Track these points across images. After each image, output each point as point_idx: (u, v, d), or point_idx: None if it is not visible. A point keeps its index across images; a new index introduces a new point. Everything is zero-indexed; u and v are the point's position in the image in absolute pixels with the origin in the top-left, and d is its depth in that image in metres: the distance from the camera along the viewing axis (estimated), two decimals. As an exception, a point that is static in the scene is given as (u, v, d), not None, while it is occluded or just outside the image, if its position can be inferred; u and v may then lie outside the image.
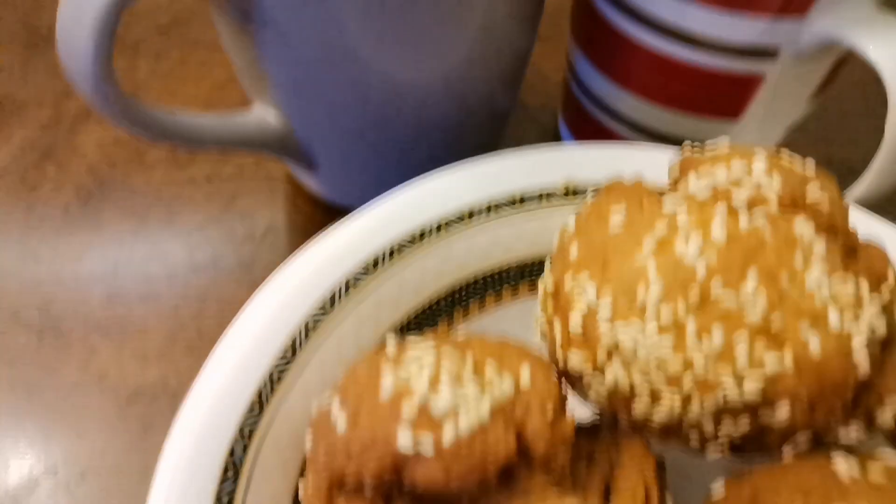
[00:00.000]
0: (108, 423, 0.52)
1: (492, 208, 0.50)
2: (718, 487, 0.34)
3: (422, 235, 0.48)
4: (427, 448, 0.31)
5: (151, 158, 0.68)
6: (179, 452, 0.37)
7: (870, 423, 0.33)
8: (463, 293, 0.50)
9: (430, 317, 0.48)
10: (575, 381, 0.37)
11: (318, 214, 0.61)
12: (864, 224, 0.46)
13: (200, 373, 0.39)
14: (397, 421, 0.32)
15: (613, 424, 0.37)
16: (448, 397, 0.32)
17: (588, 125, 0.65)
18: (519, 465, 0.33)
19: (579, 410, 0.39)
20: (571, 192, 0.50)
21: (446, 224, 0.49)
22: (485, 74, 0.53)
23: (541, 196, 0.50)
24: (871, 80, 0.48)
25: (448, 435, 0.31)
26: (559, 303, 0.38)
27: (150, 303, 0.58)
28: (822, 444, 0.33)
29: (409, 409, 0.32)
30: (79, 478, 0.49)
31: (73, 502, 0.48)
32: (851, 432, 0.33)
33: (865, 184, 0.50)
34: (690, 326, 0.33)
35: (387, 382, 0.34)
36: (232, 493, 0.36)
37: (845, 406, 0.32)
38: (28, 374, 0.54)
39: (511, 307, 0.49)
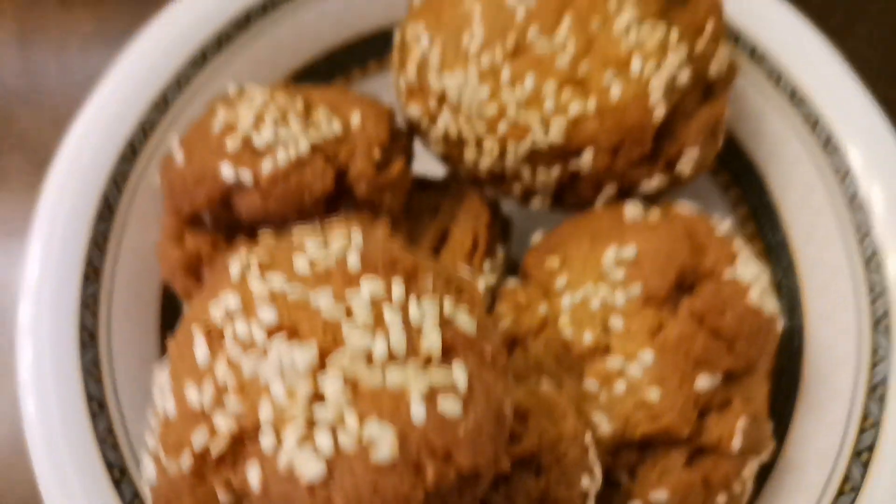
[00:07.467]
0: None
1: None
2: (537, 237, 0.40)
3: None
4: (247, 179, 0.34)
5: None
6: (55, 199, 0.40)
7: (670, 172, 0.39)
8: (342, 56, 0.49)
9: (308, 81, 0.48)
10: (420, 132, 0.41)
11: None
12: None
13: (74, 122, 0.42)
14: (222, 154, 0.35)
15: (458, 179, 0.42)
16: (269, 133, 0.35)
17: None
18: (345, 204, 0.37)
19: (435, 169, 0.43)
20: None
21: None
22: None
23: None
24: None
25: (266, 167, 0.34)
26: (402, 54, 0.41)
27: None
28: (628, 195, 0.39)
29: (232, 143, 0.35)
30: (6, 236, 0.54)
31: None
32: (653, 182, 0.39)
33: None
34: (505, 74, 0.37)
35: (217, 120, 0.37)
36: (106, 234, 0.40)
37: (645, 154, 0.37)
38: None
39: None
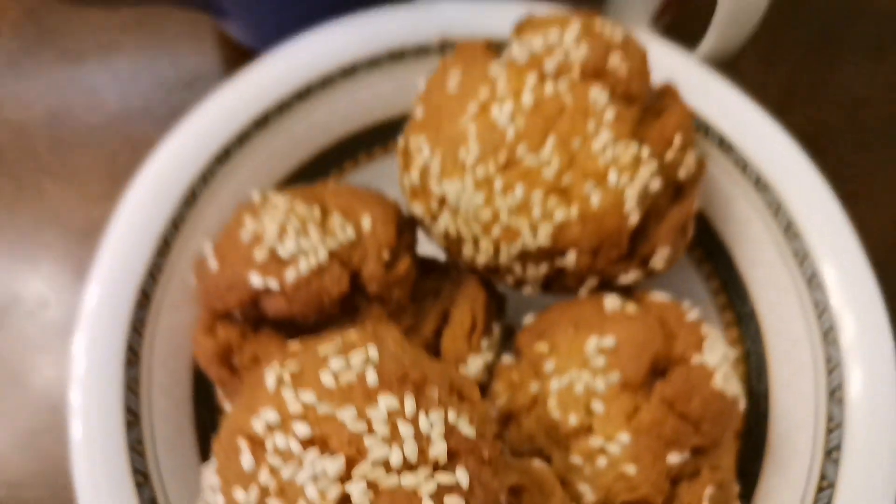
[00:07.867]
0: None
1: (373, 63, 0.53)
2: (528, 319, 0.45)
3: (308, 91, 0.52)
4: (274, 286, 0.40)
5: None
6: (101, 294, 0.44)
7: (644, 268, 0.44)
8: (351, 145, 0.55)
9: (320, 168, 0.54)
10: (423, 227, 0.46)
11: (243, 60, 0.61)
12: (702, 85, 0.50)
13: (112, 218, 0.46)
14: (251, 264, 0.40)
15: (457, 265, 0.47)
16: (292, 244, 0.40)
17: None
18: (358, 299, 0.42)
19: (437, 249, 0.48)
20: (449, 47, 0.52)
21: (331, 80, 0.52)
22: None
23: (418, 51, 0.53)
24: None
25: (290, 276, 0.40)
26: (406, 159, 0.46)
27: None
28: (608, 286, 0.44)
29: (260, 254, 0.40)
30: (40, 307, 0.58)
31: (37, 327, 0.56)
32: (630, 276, 0.44)
33: (709, 42, 0.52)
34: (498, 184, 0.42)
35: (246, 230, 0.42)
36: (143, 321, 0.44)
37: (622, 254, 0.42)
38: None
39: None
